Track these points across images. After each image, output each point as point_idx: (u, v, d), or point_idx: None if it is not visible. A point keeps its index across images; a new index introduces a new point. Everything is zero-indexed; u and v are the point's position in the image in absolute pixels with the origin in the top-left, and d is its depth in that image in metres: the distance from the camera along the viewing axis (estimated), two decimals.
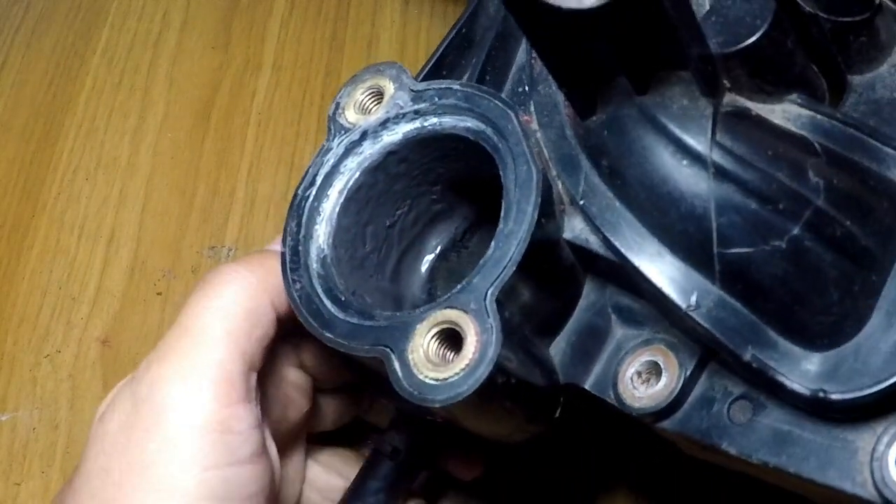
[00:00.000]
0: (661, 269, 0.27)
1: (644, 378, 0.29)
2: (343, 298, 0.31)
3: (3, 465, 0.49)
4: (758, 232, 0.26)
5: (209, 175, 0.56)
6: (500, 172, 0.29)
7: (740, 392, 0.28)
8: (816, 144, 0.27)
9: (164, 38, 0.61)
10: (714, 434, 0.28)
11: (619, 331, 0.30)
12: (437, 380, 0.27)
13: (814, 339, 0.27)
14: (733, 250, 0.26)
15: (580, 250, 0.30)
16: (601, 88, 0.28)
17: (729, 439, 0.28)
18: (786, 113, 0.27)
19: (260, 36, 0.60)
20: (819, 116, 0.27)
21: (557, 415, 0.31)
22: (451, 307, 0.27)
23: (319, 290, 0.31)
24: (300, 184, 0.33)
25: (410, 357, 0.27)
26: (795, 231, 0.26)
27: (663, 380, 0.29)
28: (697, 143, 0.27)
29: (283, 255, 0.32)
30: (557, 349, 0.31)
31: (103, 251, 0.54)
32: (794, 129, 0.27)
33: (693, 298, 0.27)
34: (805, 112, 0.28)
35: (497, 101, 0.31)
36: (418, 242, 0.36)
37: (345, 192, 0.32)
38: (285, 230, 0.32)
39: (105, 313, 0.52)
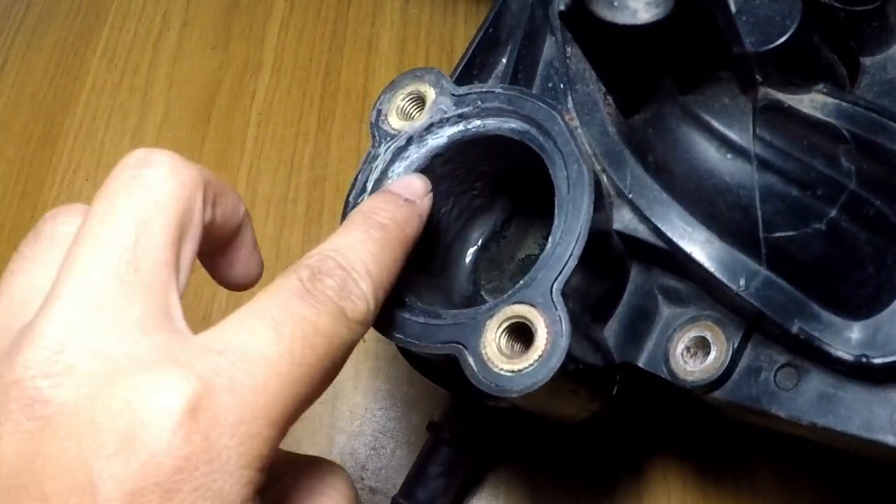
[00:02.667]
0: (711, 254, 0.30)
1: (692, 353, 0.32)
2: (406, 300, 0.32)
3: None
4: (799, 216, 0.29)
5: None
6: (550, 170, 0.31)
7: (785, 360, 0.30)
8: (845, 131, 0.29)
9: (163, 39, 0.62)
10: (764, 400, 0.30)
11: (665, 310, 0.33)
12: (512, 371, 0.28)
13: (853, 310, 0.29)
14: (778, 234, 0.29)
15: (629, 239, 0.32)
16: (645, 89, 0.30)
17: (778, 404, 0.30)
18: (813, 102, 0.29)
19: (260, 36, 0.60)
20: (844, 104, 0.29)
21: (615, 392, 0.33)
22: (519, 302, 0.29)
23: None
24: (350, 191, 0.34)
25: (483, 352, 0.29)
26: (833, 214, 0.29)
27: (713, 353, 0.31)
28: (740, 137, 0.29)
29: None
30: (611, 331, 0.33)
31: None
32: (822, 117, 0.29)
33: (742, 280, 0.29)
34: (831, 100, 0.29)
35: (541, 103, 0.32)
36: (462, 237, 0.37)
37: None
38: None
39: None
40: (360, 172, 0.34)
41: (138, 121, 0.59)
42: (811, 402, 0.30)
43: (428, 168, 0.34)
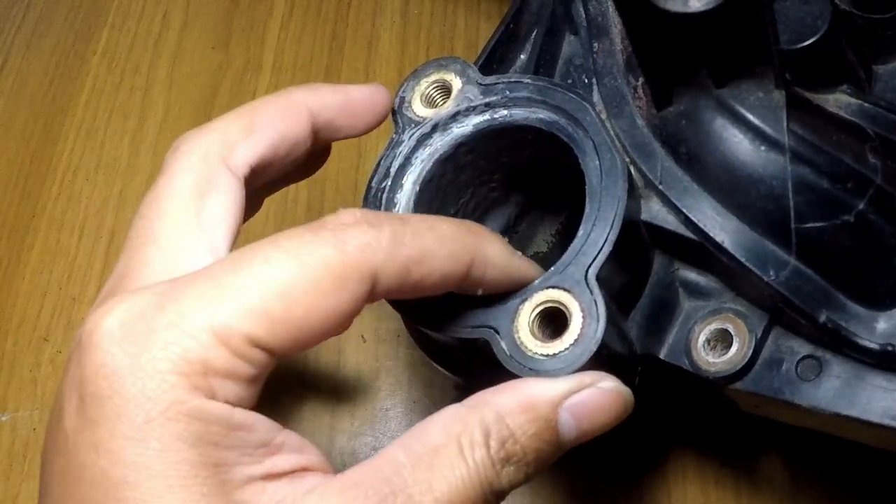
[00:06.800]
0: (742, 243, 0.31)
1: (714, 345, 0.32)
2: None
3: (4, 465, 0.49)
4: (829, 208, 0.30)
5: None
6: (579, 160, 0.31)
7: (807, 352, 0.31)
8: (869, 130, 0.30)
9: (164, 39, 0.61)
10: (786, 391, 0.31)
11: (686, 303, 0.34)
12: (546, 355, 0.28)
13: (879, 300, 0.30)
14: (809, 225, 0.30)
15: (656, 230, 0.32)
16: (683, 81, 0.31)
17: (800, 395, 0.31)
18: (837, 102, 0.30)
19: (260, 37, 0.60)
20: (866, 105, 0.30)
21: (636, 384, 0.33)
22: (553, 287, 0.29)
23: None
24: (373, 177, 0.34)
25: (517, 336, 0.29)
26: (861, 206, 0.29)
27: (735, 345, 0.32)
28: (774, 130, 0.30)
29: None
30: (633, 322, 0.34)
31: (103, 252, 0.54)
32: (846, 116, 0.30)
33: (772, 270, 0.30)
34: (854, 101, 0.30)
35: (572, 94, 0.32)
36: None
37: (418, 183, 0.33)
38: None
39: None
40: (382, 158, 0.34)
41: (138, 121, 0.59)
42: (833, 391, 0.30)
43: (451, 156, 0.34)
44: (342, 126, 0.33)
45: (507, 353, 0.29)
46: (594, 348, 0.28)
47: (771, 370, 0.32)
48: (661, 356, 0.33)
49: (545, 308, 0.29)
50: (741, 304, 0.32)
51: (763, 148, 0.30)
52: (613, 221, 0.30)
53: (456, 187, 0.35)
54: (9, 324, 0.53)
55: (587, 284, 0.29)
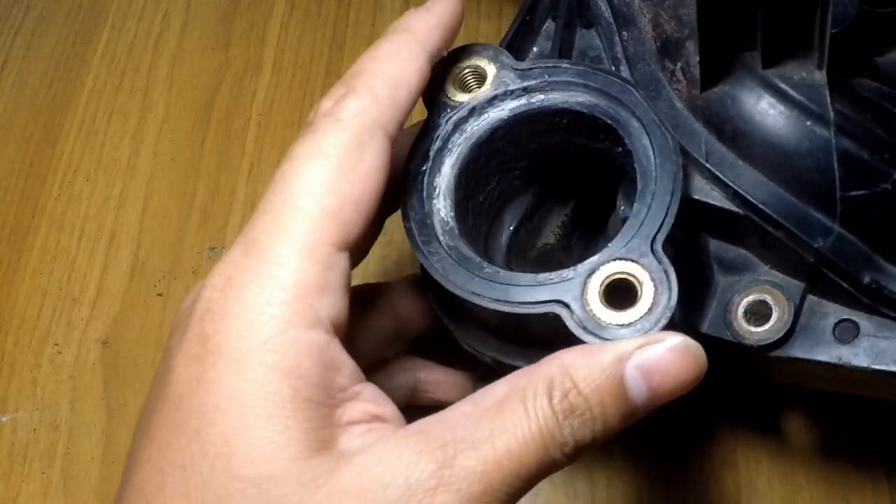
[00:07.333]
0: (789, 213, 0.33)
1: (751, 317, 0.34)
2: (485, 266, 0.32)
3: (4, 465, 0.49)
4: (869, 177, 0.32)
5: (209, 176, 0.56)
6: (625, 141, 0.32)
7: (843, 316, 0.33)
8: (893, 110, 0.32)
9: (164, 40, 0.61)
10: (827, 354, 0.33)
11: (721, 279, 0.35)
12: (621, 325, 0.29)
13: None
14: (852, 193, 0.32)
15: (700, 207, 0.34)
16: (728, 63, 0.34)
17: (839, 356, 0.33)
18: (860, 84, 0.33)
19: (260, 37, 0.60)
20: (885, 88, 0.33)
21: None
22: (620, 259, 0.30)
23: (455, 261, 0.32)
24: (410, 161, 0.34)
25: (588, 308, 0.29)
26: None
27: (774, 314, 0.34)
28: (818, 106, 0.32)
29: (409, 229, 0.32)
30: None
31: (104, 252, 0.54)
32: (871, 97, 0.32)
33: (819, 236, 0.32)
34: (874, 84, 0.33)
35: (614, 77, 0.33)
36: (499, 218, 0.38)
37: (456, 167, 0.34)
38: (404, 207, 0.33)
39: (105, 314, 0.52)
40: (417, 142, 0.34)
41: (138, 121, 0.59)
42: (872, 350, 0.33)
43: (487, 140, 0.34)
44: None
45: (582, 324, 0.29)
46: (670, 314, 0.29)
47: (810, 336, 0.34)
48: (703, 330, 0.35)
49: (613, 280, 0.30)
50: (775, 276, 0.34)
51: (808, 123, 0.32)
52: (673, 193, 0.31)
53: (486, 173, 0.35)
54: (9, 324, 0.53)
55: (654, 255, 0.30)
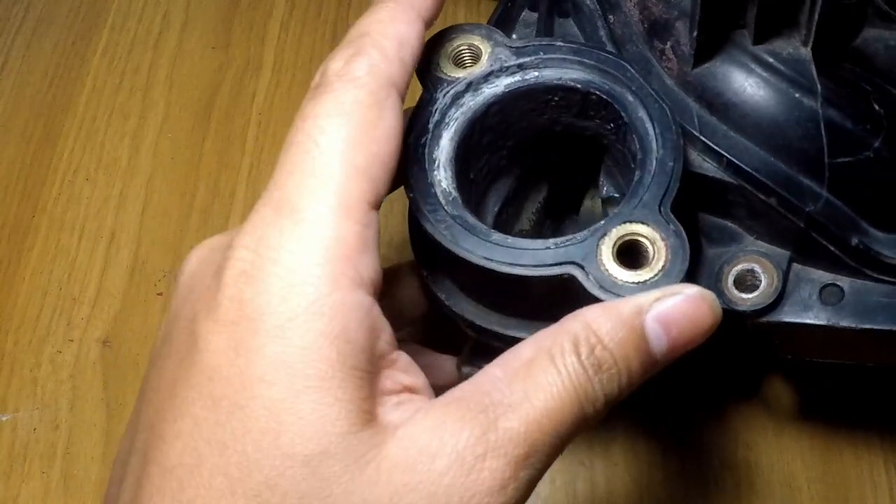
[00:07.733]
0: (781, 180, 0.34)
1: (741, 284, 0.35)
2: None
3: (4, 465, 0.49)
4: (853, 145, 0.34)
5: (209, 176, 0.56)
6: (622, 113, 0.33)
7: (826, 282, 0.35)
8: (866, 86, 0.34)
9: (164, 39, 0.62)
10: (816, 316, 0.35)
11: (709, 251, 0.37)
12: (636, 283, 0.29)
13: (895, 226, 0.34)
14: (839, 160, 0.33)
15: (693, 178, 0.35)
16: (720, 41, 0.35)
17: (826, 317, 0.35)
18: (841, 68, 0.34)
19: (260, 37, 0.61)
20: (858, 69, 0.34)
21: None
22: (629, 221, 0.30)
23: (463, 228, 0.32)
24: (410, 133, 0.34)
25: (603, 269, 0.30)
26: (877, 144, 0.33)
27: (763, 281, 0.35)
28: (807, 79, 0.34)
29: (414, 199, 0.32)
30: None
31: (104, 252, 0.54)
32: (849, 76, 0.34)
33: (809, 202, 0.34)
34: (854, 68, 0.34)
35: (607, 53, 0.34)
36: (485, 198, 0.38)
37: (453, 141, 0.34)
38: (407, 178, 0.33)
39: (105, 314, 0.52)
40: (414, 116, 0.34)
41: (138, 121, 0.59)
42: (858, 309, 0.34)
43: (482, 116, 0.34)
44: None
45: (598, 283, 0.29)
46: (684, 270, 0.29)
47: (797, 301, 0.35)
48: None
49: (624, 242, 0.30)
50: (761, 247, 0.36)
51: (797, 94, 0.34)
52: (675, 157, 0.32)
53: (478, 150, 0.36)
54: (9, 324, 0.53)
55: (663, 216, 0.30)
